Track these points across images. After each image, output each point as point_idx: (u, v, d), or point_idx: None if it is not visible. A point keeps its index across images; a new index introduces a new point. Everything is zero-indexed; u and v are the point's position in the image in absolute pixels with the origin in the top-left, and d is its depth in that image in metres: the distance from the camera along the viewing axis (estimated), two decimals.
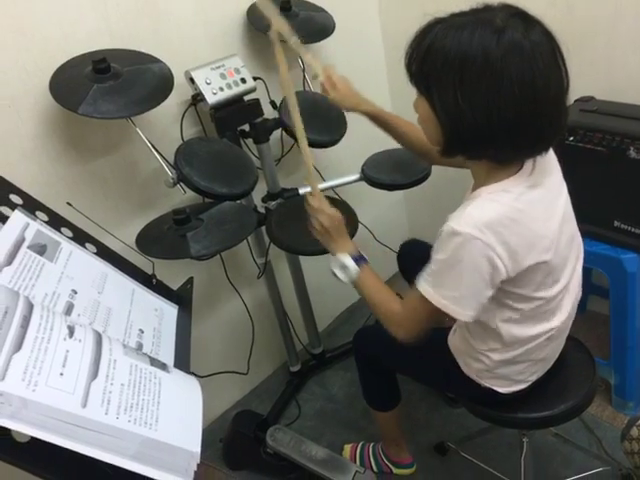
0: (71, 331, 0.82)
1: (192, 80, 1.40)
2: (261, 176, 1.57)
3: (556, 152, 1.03)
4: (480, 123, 0.86)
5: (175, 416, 0.86)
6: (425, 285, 0.97)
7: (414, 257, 1.11)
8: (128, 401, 0.80)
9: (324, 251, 1.21)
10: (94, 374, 0.79)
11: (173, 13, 1.43)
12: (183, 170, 1.30)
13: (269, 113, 1.56)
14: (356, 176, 1.62)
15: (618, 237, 1.45)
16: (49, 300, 0.91)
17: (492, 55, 0.82)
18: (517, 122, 0.85)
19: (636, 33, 1.46)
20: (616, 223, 1.45)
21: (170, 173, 1.31)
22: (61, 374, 0.75)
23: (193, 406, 0.91)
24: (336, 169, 1.85)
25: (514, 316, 1.02)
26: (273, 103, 1.60)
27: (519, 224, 0.90)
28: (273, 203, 1.60)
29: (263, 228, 1.55)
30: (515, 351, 1.07)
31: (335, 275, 1.13)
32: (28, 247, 0.95)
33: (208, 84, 1.41)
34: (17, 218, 0.98)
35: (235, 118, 1.50)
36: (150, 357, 0.94)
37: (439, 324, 1.10)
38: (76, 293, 0.97)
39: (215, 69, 1.43)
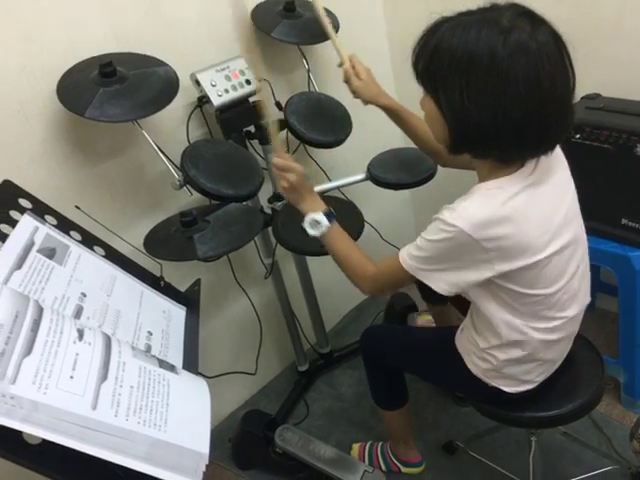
0: (80, 334, 0.83)
1: (197, 82, 1.41)
2: (267, 177, 1.57)
3: (563, 150, 1.03)
4: (486, 122, 0.86)
5: (184, 417, 0.86)
6: (409, 261, 1.00)
7: None
8: (137, 403, 0.81)
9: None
10: (104, 376, 0.80)
11: (178, 16, 1.43)
12: (189, 172, 1.31)
13: (274, 114, 1.57)
14: (362, 176, 1.62)
15: (626, 235, 1.45)
16: (59, 303, 0.92)
17: (498, 55, 0.82)
18: (523, 122, 0.85)
19: None
20: (624, 221, 1.44)
21: (176, 175, 1.32)
22: (71, 377, 0.76)
23: (201, 407, 0.92)
24: (342, 169, 1.86)
25: (512, 312, 1.03)
26: (278, 104, 1.60)
27: (512, 223, 0.91)
28: (279, 204, 1.60)
29: (270, 229, 1.56)
30: (519, 350, 1.07)
31: (306, 231, 1.19)
32: (37, 251, 0.96)
33: (213, 86, 1.41)
34: (26, 222, 0.99)
35: (240, 119, 1.50)
36: (159, 359, 0.94)
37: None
38: (85, 296, 0.98)
39: (220, 71, 1.44)
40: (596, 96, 1.50)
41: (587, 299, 1.12)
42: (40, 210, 1.04)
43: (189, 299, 1.27)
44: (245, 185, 1.40)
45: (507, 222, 0.90)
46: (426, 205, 2.28)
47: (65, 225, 1.08)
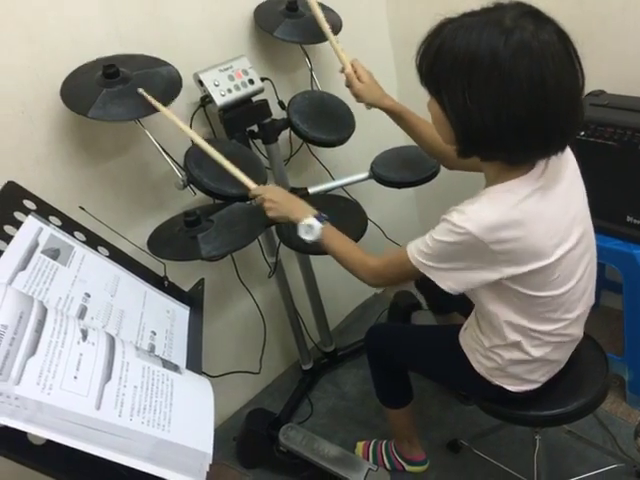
0: (84, 334, 0.83)
1: (201, 82, 1.41)
2: (270, 176, 1.57)
3: None
4: (489, 124, 0.85)
5: (187, 417, 0.87)
6: (417, 256, 0.99)
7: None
8: (141, 403, 0.82)
9: None
10: (107, 377, 0.80)
11: (180, 16, 1.43)
12: (193, 172, 1.31)
13: (277, 113, 1.57)
14: (365, 174, 1.62)
15: (631, 232, 1.44)
16: (63, 304, 0.92)
17: (500, 56, 0.81)
18: (527, 122, 0.85)
19: None
20: (629, 218, 1.43)
21: (180, 175, 1.32)
22: (75, 377, 0.76)
23: (205, 407, 0.92)
24: (345, 168, 1.86)
25: (518, 313, 1.02)
26: (281, 103, 1.60)
27: (522, 226, 0.90)
28: None
29: (273, 228, 1.56)
30: (522, 351, 1.07)
31: (303, 239, 1.20)
32: (42, 252, 0.97)
33: (216, 86, 1.41)
34: (31, 223, 0.99)
35: (244, 119, 1.50)
36: (162, 359, 0.95)
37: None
38: (89, 296, 0.99)
39: (223, 71, 1.43)
40: (601, 93, 1.50)
41: (592, 300, 1.12)
42: (44, 211, 1.04)
43: (193, 299, 1.27)
44: None
45: (517, 225, 0.90)
46: (430, 203, 2.28)
47: (69, 226, 1.08)
